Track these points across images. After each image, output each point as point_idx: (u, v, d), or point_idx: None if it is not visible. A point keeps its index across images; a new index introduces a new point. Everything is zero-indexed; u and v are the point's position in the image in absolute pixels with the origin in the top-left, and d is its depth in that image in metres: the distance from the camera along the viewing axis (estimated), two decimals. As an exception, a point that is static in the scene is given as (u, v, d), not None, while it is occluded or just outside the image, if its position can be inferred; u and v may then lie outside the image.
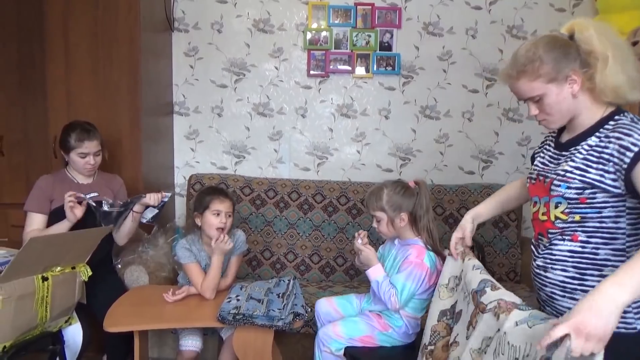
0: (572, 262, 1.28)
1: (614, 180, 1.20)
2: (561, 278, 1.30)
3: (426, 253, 1.84)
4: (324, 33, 2.98)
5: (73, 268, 1.89)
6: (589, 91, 1.27)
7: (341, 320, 1.93)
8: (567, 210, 1.27)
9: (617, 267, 1.21)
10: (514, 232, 2.83)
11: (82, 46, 2.53)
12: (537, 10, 2.95)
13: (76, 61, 2.53)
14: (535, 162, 1.45)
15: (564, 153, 1.33)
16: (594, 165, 1.23)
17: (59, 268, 1.82)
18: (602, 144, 1.22)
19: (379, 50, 2.98)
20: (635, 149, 1.16)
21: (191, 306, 1.96)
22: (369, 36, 2.97)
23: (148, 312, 1.91)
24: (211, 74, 3.06)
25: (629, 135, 1.18)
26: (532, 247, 1.43)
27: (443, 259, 1.77)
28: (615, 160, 1.19)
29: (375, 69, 2.99)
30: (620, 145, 1.18)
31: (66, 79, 2.54)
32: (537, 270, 1.37)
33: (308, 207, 2.85)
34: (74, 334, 2.05)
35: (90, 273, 1.94)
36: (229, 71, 3.06)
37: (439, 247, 1.87)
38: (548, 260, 1.33)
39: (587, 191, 1.23)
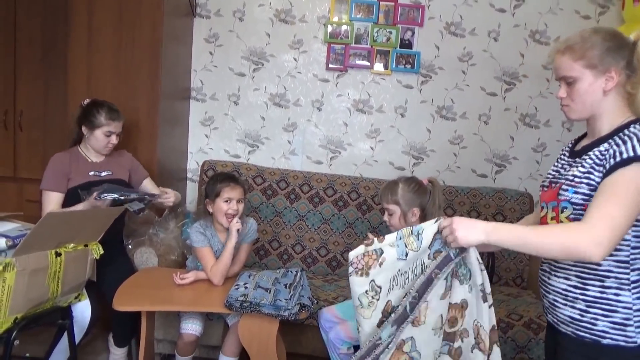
0: (575, 270, 1.27)
1: None
2: (564, 286, 1.29)
3: None
4: (344, 27, 2.97)
5: (86, 246, 1.92)
6: (622, 96, 1.26)
7: (352, 322, 1.92)
8: (571, 216, 1.26)
9: (619, 278, 1.21)
10: (523, 238, 2.81)
11: (105, 27, 2.55)
12: (561, 16, 2.92)
13: (98, 41, 2.56)
14: (549, 171, 1.45)
15: (576, 160, 1.32)
16: (597, 168, 1.23)
17: (72, 245, 1.85)
18: (610, 149, 1.22)
19: (399, 47, 2.97)
20: (618, 158, 1.17)
21: (199, 291, 1.98)
22: (390, 33, 2.96)
23: (157, 294, 1.94)
24: (230, 61, 3.07)
25: (625, 143, 1.18)
26: None
27: None
28: (605, 163, 1.20)
29: (394, 66, 2.98)
30: (614, 151, 1.19)
31: (87, 59, 2.57)
32: (542, 276, 1.38)
33: (319, 200, 2.86)
34: (83, 310, 2.08)
35: (102, 251, 1.97)
36: (248, 60, 3.06)
37: None
38: (552, 267, 1.33)
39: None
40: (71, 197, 2.19)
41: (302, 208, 2.86)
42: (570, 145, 1.44)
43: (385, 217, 1.97)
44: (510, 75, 2.98)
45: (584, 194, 1.24)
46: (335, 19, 2.98)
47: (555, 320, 1.33)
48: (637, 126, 1.22)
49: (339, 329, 1.91)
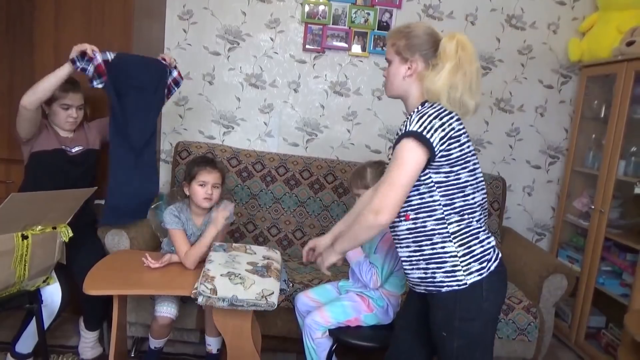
0: (412, 238, 1.43)
1: None
2: (407, 254, 1.45)
3: None
4: (322, 7, 2.92)
5: (54, 228, 1.87)
6: (422, 83, 1.44)
7: (328, 306, 1.94)
8: None
9: (441, 234, 1.39)
10: (495, 221, 2.87)
11: (74, 0, 2.44)
12: (538, 2, 2.94)
13: (67, 16, 2.45)
14: None
15: None
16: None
17: (39, 227, 1.80)
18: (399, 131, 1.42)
19: (377, 29, 2.94)
20: (397, 136, 1.38)
21: (172, 274, 1.95)
22: (368, 14, 2.92)
23: (129, 277, 1.90)
24: (205, 40, 2.99)
25: (403, 124, 1.40)
26: None
27: None
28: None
29: (372, 48, 2.96)
30: (399, 130, 1.41)
31: (55, 34, 2.46)
32: (396, 249, 1.54)
33: (294, 182, 2.85)
34: (52, 293, 2.03)
35: (71, 234, 1.91)
36: (223, 39, 2.99)
37: None
38: (396, 239, 1.49)
39: None
40: (36, 163, 2.15)
41: (278, 190, 2.84)
42: None
43: None
44: (486, 60, 2.99)
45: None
46: (313, -2, 2.93)
47: (412, 284, 1.51)
48: (420, 107, 1.42)
49: (316, 313, 1.92)
